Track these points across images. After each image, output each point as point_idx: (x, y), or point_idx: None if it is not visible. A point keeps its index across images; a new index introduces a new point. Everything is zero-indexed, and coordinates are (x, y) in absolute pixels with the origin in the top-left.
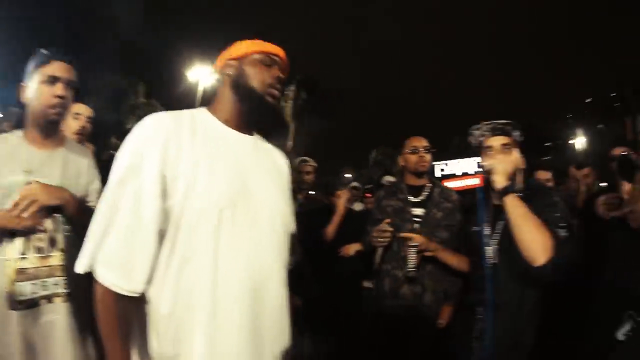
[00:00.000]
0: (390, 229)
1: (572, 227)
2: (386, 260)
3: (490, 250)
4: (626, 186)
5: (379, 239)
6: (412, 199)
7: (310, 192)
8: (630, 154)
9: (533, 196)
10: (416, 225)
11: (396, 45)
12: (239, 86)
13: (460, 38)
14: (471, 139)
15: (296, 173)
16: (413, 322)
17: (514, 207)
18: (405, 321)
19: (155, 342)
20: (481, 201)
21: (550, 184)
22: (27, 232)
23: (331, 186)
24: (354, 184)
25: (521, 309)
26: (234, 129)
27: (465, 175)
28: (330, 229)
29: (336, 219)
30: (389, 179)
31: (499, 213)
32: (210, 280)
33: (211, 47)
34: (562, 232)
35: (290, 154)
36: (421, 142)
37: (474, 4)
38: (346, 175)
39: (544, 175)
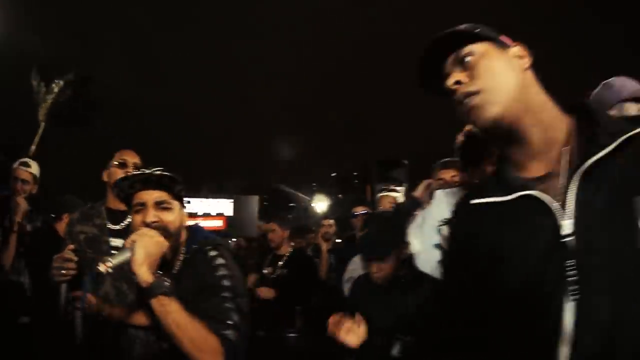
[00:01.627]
0: (75, 258)
1: (238, 308)
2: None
3: None
4: None
5: (61, 272)
6: (111, 226)
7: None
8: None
9: (194, 263)
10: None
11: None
12: None
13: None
14: (118, 192)
15: (12, 179)
16: None
17: (165, 314)
18: None
19: None
20: None
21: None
22: None
23: (66, 205)
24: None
25: None
26: None
27: (206, 216)
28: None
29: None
30: None
31: (169, 277)
32: None
33: None
34: (230, 333)
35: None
36: (133, 158)
37: None
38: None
39: (269, 227)
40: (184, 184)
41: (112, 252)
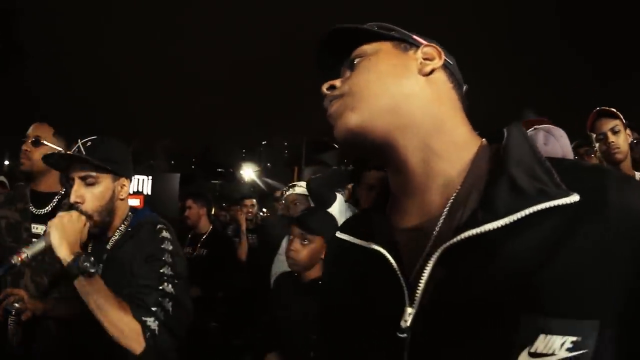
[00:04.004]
0: None
1: (174, 292)
2: None
3: None
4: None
5: None
6: (34, 210)
7: None
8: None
9: (136, 237)
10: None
11: None
12: None
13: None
14: (50, 166)
15: None
16: None
17: (86, 294)
18: None
19: None
20: None
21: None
22: None
23: None
24: (2, 179)
25: None
26: None
27: None
28: None
29: None
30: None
31: (101, 252)
32: None
33: None
34: (152, 321)
35: None
36: (46, 130)
37: None
38: (5, 164)
39: (192, 205)
40: (119, 154)
41: (33, 240)
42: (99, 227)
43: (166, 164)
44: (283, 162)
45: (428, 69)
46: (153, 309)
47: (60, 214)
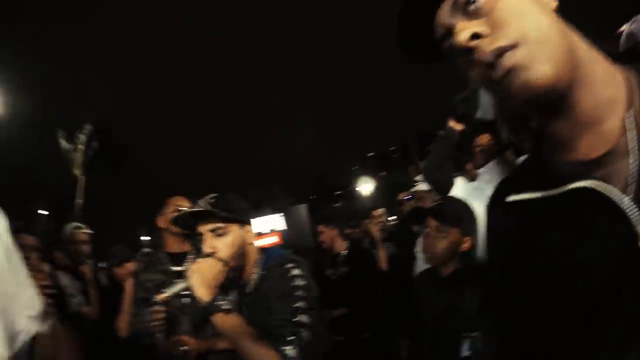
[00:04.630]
0: (163, 308)
1: (309, 322)
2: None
3: None
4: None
5: (156, 324)
6: (175, 268)
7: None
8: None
9: (270, 278)
10: (185, 300)
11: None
12: None
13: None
14: (180, 226)
15: (71, 243)
16: None
17: (225, 330)
18: None
19: None
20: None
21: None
22: None
23: (117, 256)
24: (147, 250)
25: None
26: None
27: (260, 235)
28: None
29: (126, 303)
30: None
31: (243, 295)
32: None
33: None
34: (290, 349)
35: (78, 214)
36: (184, 202)
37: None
38: (142, 239)
39: (323, 229)
40: (238, 205)
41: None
42: (235, 272)
43: (287, 201)
44: (394, 166)
45: (555, 3)
46: (289, 338)
47: (198, 260)
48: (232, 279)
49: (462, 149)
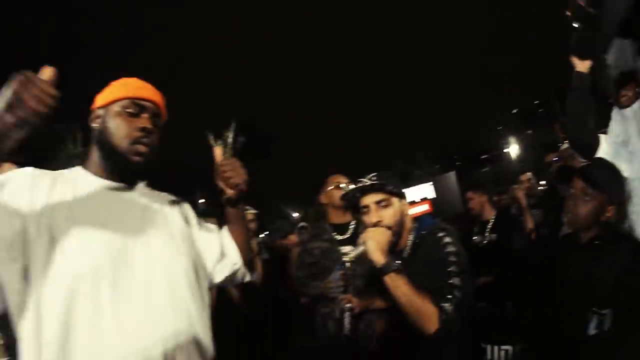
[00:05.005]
0: (342, 272)
1: (461, 284)
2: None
3: None
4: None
5: (334, 287)
6: (338, 237)
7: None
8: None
9: (424, 245)
10: (347, 264)
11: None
12: (101, 142)
13: (384, 59)
14: (347, 203)
15: None
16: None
17: (395, 288)
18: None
19: None
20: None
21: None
22: None
23: (282, 230)
24: (302, 224)
25: None
26: (111, 183)
27: (412, 203)
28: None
29: (292, 269)
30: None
31: (399, 260)
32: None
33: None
34: (448, 306)
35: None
36: (343, 179)
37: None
38: (294, 215)
39: (472, 196)
40: (395, 180)
41: (343, 257)
42: (395, 238)
43: (433, 169)
44: (539, 122)
45: None
46: (448, 296)
47: (370, 229)
48: (392, 245)
49: (599, 93)
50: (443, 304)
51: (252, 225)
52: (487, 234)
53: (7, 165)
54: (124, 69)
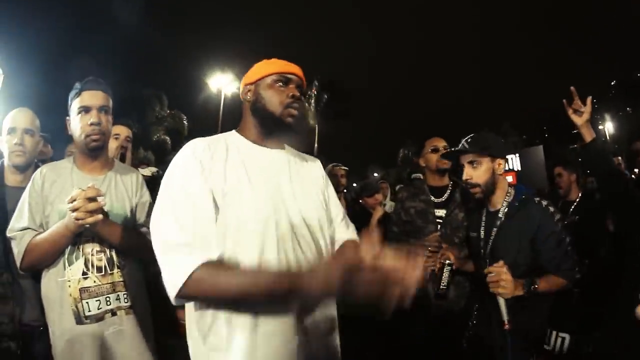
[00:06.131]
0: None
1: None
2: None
3: (484, 255)
4: None
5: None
6: (434, 199)
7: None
8: None
9: (525, 208)
10: (439, 226)
11: (408, 45)
12: (258, 110)
13: (470, 28)
14: (446, 159)
15: (331, 177)
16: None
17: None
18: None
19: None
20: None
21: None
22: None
23: (372, 188)
24: (382, 182)
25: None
26: (265, 147)
27: None
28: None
29: (374, 221)
30: (418, 175)
31: (493, 219)
32: None
33: (230, 55)
34: (573, 273)
35: (318, 158)
36: (441, 142)
37: None
38: (374, 175)
39: (562, 172)
40: (489, 142)
41: (437, 220)
42: (484, 194)
43: (518, 139)
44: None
45: None
46: (571, 265)
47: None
48: (480, 201)
49: None
50: (570, 271)
51: (343, 181)
52: (570, 215)
53: (118, 127)
54: (217, 35)
